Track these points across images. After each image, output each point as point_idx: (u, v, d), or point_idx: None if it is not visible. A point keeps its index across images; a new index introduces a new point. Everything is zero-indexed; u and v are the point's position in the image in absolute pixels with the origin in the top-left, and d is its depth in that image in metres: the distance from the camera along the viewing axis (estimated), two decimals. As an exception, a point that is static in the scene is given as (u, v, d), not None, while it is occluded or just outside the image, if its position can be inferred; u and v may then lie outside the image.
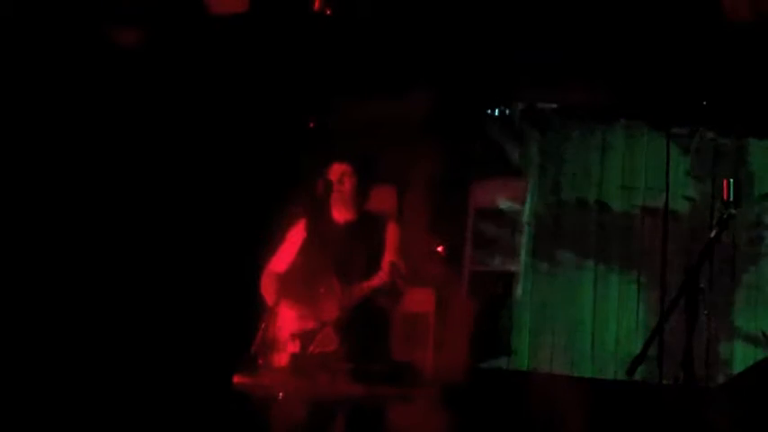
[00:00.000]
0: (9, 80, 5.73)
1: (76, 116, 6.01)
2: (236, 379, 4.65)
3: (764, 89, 5.68)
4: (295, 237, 4.99)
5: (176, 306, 6.13)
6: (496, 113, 6.69)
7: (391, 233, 4.90)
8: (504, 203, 6.75)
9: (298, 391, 4.65)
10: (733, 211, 4.07)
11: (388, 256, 4.80)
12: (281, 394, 4.67)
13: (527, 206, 6.74)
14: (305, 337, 4.72)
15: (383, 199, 5.61)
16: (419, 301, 6.32)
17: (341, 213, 4.92)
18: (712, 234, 4.13)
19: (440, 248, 4.55)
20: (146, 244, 6.21)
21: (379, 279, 4.64)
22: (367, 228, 4.90)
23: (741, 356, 6.04)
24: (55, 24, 5.82)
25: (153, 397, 5.93)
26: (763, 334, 5.56)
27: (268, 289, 4.95)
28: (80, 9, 5.83)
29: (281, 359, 4.74)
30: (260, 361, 4.67)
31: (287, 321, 4.77)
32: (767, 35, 5.38)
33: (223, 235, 6.20)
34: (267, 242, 5.08)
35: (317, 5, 5.72)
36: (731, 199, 4.09)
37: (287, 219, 5.06)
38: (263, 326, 4.69)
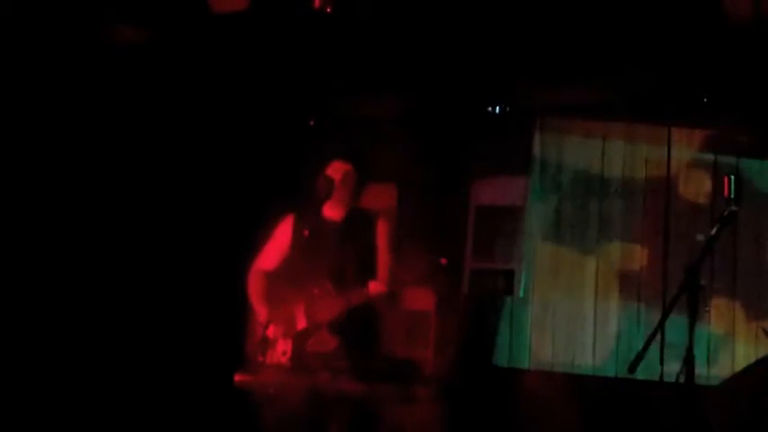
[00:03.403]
0: (10, 79, 5.73)
1: (77, 115, 6.01)
2: (238, 377, 4.65)
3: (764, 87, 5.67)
4: (283, 233, 4.95)
5: (176, 304, 6.14)
6: (497, 111, 6.68)
7: (382, 232, 4.86)
8: (506, 201, 6.75)
9: (298, 390, 4.65)
10: (734, 207, 4.06)
11: (382, 256, 4.78)
12: (281, 392, 4.66)
13: (528, 203, 6.74)
14: (299, 337, 4.70)
15: (375, 196, 5.59)
16: (419, 299, 6.32)
17: (333, 210, 4.89)
18: (713, 231, 4.12)
19: (443, 261, 4.52)
20: (144, 242, 6.21)
21: (379, 288, 4.61)
22: (359, 225, 4.86)
23: (743, 353, 6.03)
24: (56, 23, 5.82)
25: (154, 395, 5.94)
26: (764, 331, 5.55)
27: (254, 286, 4.93)
28: (82, 7, 5.82)
29: (280, 358, 4.72)
30: (260, 359, 4.67)
31: (281, 321, 4.76)
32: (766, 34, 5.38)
33: (223, 233, 6.21)
34: (259, 239, 5.07)
35: (317, 3, 5.72)
36: (732, 196, 4.07)
37: (275, 215, 5.03)
38: (263, 324, 4.68)
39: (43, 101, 5.87)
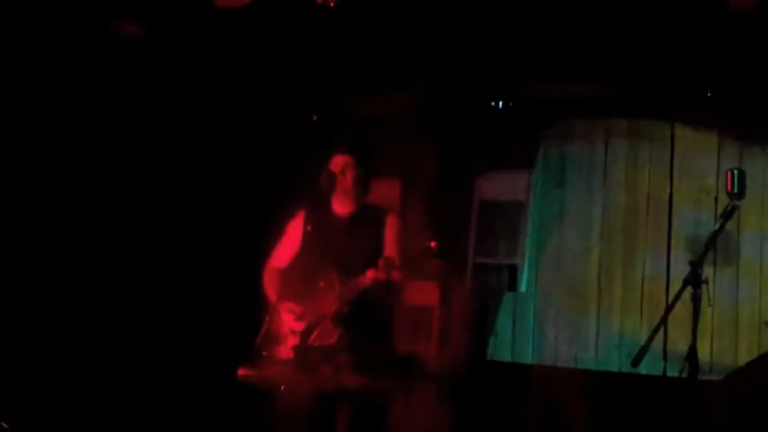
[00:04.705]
0: (13, 75, 5.74)
1: (81, 111, 6.02)
2: (241, 371, 4.65)
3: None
4: (295, 230, 4.96)
5: (182, 300, 6.15)
6: (500, 106, 6.68)
7: (391, 226, 4.86)
8: (509, 196, 6.75)
9: (301, 384, 4.65)
10: (737, 202, 4.06)
11: (388, 251, 4.78)
12: (283, 387, 4.67)
13: (530, 198, 6.74)
14: (305, 331, 4.71)
15: (385, 192, 5.59)
16: (423, 293, 6.32)
17: (342, 205, 4.89)
18: (716, 225, 4.12)
19: (432, 244, 4.49)
20: (151, 238, 6.22)
21: (374, 274, 4.60)
22: (367, 220, 4.87)
23: (746, 348, 6.03)
24: (58, 18, 5.82)
25: (159, 390, 5.95)
26: (766, 324, 5.55)
27: (270, 284, 4.94)
28: (84, 2, 5.83)
29: (285, 352, 4.73)
30: (264, 354, 4.67)
31: (288, 315, 4.76)
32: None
33: (228, 229, 6.22)
34: (270, 236, 5.07)
35: (320, -2, 5.73)
36: (735, 190, 4.07)
37: (286, 212, 5.04)
38: (267, 319, 4.68)
39: (49, 99, 5.87)
